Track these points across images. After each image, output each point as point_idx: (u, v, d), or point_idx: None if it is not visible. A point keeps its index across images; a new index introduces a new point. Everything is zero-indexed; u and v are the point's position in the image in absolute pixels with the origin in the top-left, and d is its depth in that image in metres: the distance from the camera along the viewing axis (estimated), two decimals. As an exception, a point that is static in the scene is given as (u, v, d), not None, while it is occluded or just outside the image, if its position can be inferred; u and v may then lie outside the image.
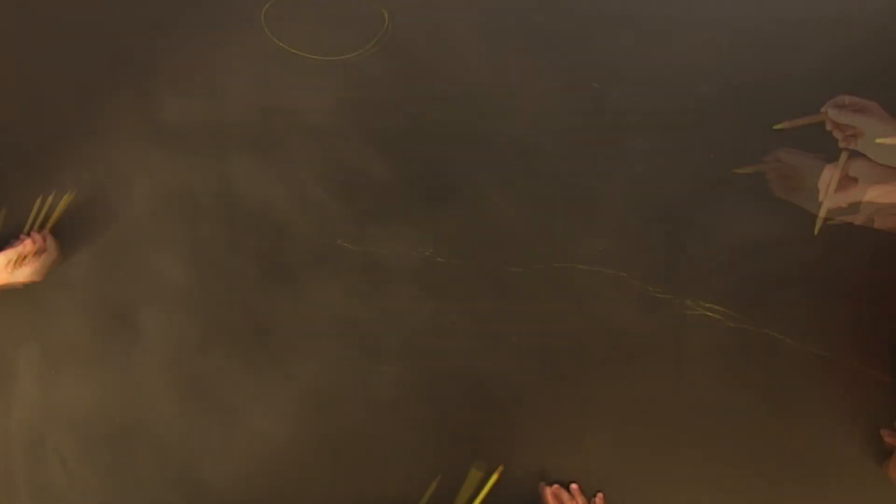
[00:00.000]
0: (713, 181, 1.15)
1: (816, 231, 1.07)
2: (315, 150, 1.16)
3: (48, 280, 1.10)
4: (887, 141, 0.97)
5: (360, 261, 1.11)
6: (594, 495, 1.02)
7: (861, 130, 0.99)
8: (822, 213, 1.07)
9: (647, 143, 1.16)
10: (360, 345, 1.09)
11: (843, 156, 1.03)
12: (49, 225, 1.11)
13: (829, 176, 1.07)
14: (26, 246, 1.06)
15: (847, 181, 1.04)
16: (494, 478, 1.00)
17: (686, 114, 1.18)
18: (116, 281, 1.08)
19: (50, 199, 1.11)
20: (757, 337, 1.08)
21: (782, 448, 1.05)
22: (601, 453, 1.05)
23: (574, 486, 1.02)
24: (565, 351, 1.08)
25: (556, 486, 1.02)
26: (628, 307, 1.09)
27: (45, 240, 1.08)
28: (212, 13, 1.21)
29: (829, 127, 1.03)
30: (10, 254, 1.05)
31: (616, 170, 1.15)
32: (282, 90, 1.19)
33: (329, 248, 1.09)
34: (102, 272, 1.10)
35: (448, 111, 1.18)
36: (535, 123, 1.17)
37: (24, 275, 1.06)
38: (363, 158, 1.12)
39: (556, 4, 1.24)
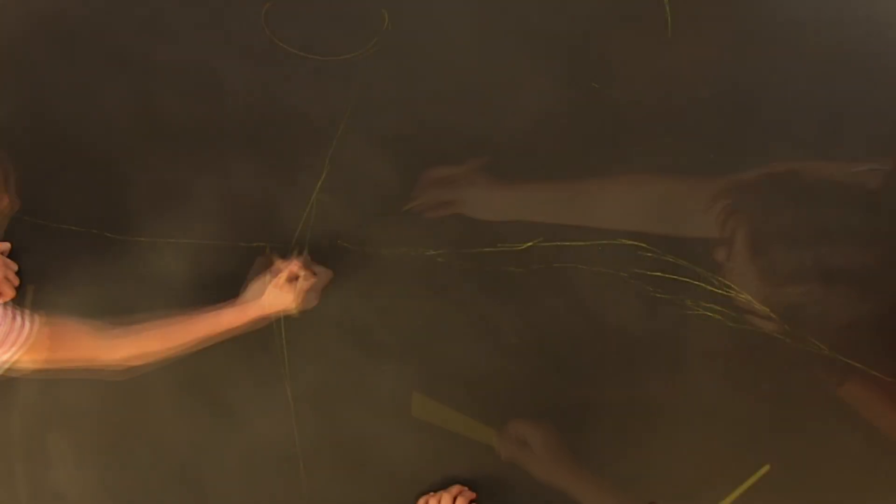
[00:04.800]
0: (713, 181, 1.15)
1: None
2: (315, 149, 1.16)
3: (49, 281, 1.10)
4: None
5: (360, 261, 1.11)
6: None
7: None
8: None
9: (647, 143, 1.16)
10: (360, 345, 1.09)
11: None
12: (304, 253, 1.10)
13: None
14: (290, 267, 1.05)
15: None
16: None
17: (686, 114, 1.18)
18: (117, 280, 1.08)
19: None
20: (757, 337, 1.08)
21: (782, 448, 1.05)
22: (600, 453, 1.05)
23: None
24: (565, 351, 1.08)
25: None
26: (628, 307, 1.09)
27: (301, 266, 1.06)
28: (212, 13, 1.21)
29: None
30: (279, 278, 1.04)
31: (616, 170, 1.15)
32: (282, 90, 1.18)
33: (329, 249, 1.09)
34: (102, 272, 1.10)
35: (448, 111, 1.18)
36: (535, 123, 1.17)
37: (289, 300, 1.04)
38: (363, 158, 1.12)
39: (556, 4, 1.24)
